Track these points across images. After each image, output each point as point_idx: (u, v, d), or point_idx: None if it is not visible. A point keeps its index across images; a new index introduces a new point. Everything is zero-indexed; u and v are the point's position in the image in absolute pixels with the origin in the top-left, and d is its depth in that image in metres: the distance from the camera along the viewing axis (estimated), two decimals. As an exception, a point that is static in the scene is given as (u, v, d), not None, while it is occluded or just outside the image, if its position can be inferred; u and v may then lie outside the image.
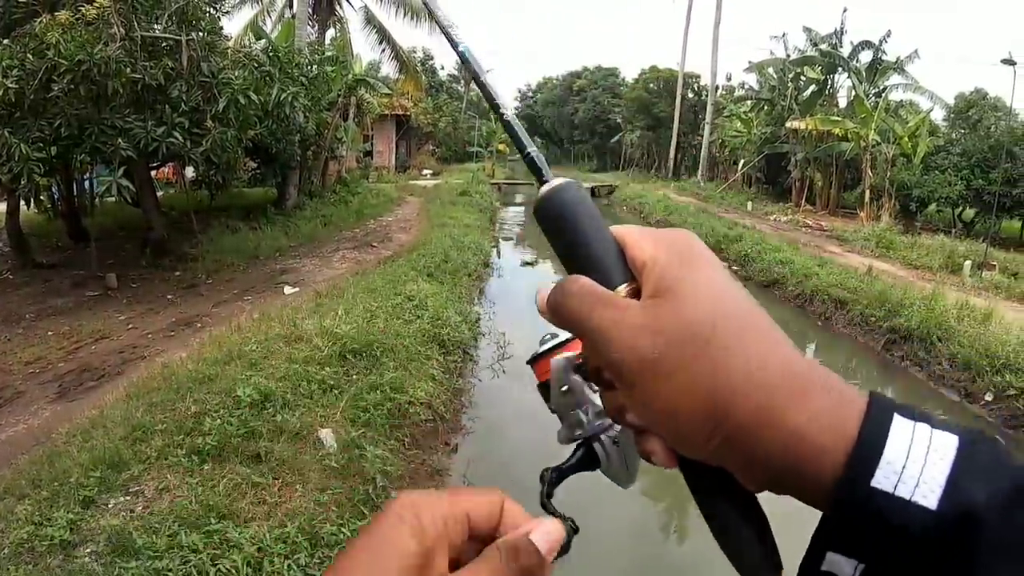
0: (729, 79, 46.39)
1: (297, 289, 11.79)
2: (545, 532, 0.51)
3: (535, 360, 0.66)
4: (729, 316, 0.47)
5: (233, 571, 4.10)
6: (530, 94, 75.22)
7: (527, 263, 19.15)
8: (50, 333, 9.20)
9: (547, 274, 18.18)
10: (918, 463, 0.40)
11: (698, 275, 0.49)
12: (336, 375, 7.20)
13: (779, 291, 15.98)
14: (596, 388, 0.60)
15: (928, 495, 0.39)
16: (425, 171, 39.26)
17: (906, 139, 23.92)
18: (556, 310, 0.53)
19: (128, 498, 4.80)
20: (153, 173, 16.49)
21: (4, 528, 4.42)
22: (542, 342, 0.66)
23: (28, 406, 6.97)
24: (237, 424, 5.66)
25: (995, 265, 16.73)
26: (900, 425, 0.42)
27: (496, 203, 30.81)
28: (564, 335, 0.64)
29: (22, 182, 9.59)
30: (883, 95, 26.54)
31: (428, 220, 20.53)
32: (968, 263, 16.42)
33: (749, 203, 30.14)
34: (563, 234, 0.57)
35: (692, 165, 43.54)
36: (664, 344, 0.46)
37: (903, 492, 0.39)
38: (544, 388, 0.66)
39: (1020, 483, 0.39)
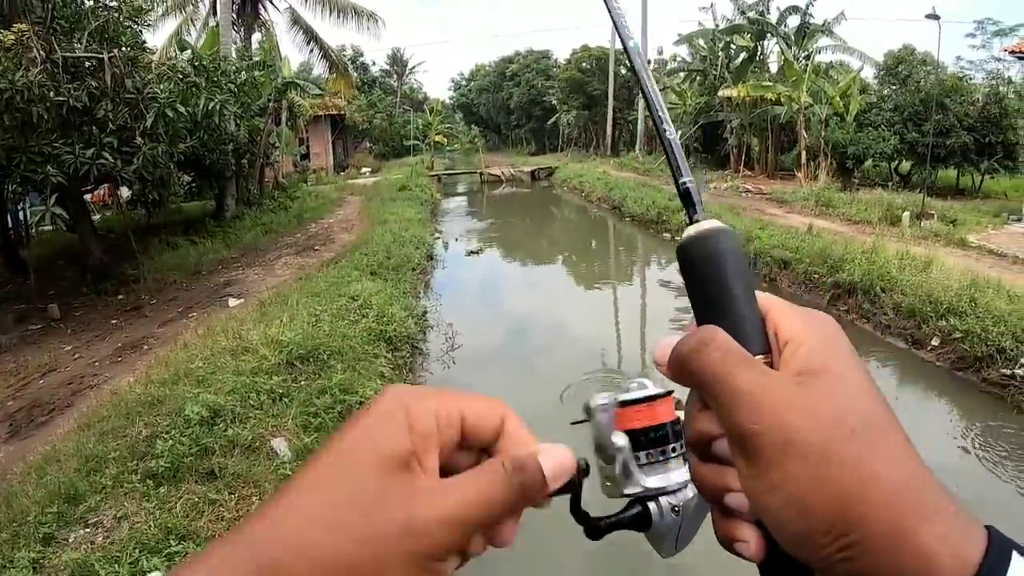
0: (660, 53, 46.68)
1: (241, 300, 11.75)
2: (554, 456, 0.49)
3: (625, 405, 0.57)
4: (874, 416, 0.46)
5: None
6: (464, 82, 74.87)
7: (472, 252, 19.30)
8: (-5, 371, 9.04)
9: (493, 261, 18.29)
10: None
11: (845, 364, 0.48)
12: (284, 383, 7.25)
13: (722, 258, 16.24)
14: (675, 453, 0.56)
15: None
16: (364, 169, 39.01)
17: (838, 99, 24.38)
18: (687, 360, 0.50)
19: (88, 530, 4.82)
20: (88, 196, 16.22)
21: (-35, 576, 4.41)
22: (626, 390, 0.58)
23: (-21, 449, 6.88)
24: (189, 443, 5.69)
25: (933, 214, 17.21)
26: (1018, 561, 0.41)
27: (437, 195, 30.84)
28: (658, 388, 0.57)
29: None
30: (812, 58, 26.99)
31: (369, 218, 20.51)
32: (906, 214, 16.82)
33: (689, 173, 30.40)
34: (710, 284, 0.54)
35: (630, 140, 43.78)
36: (815, 427, 0.44)
37: None
38: (627, 434, 0.56)
39: None
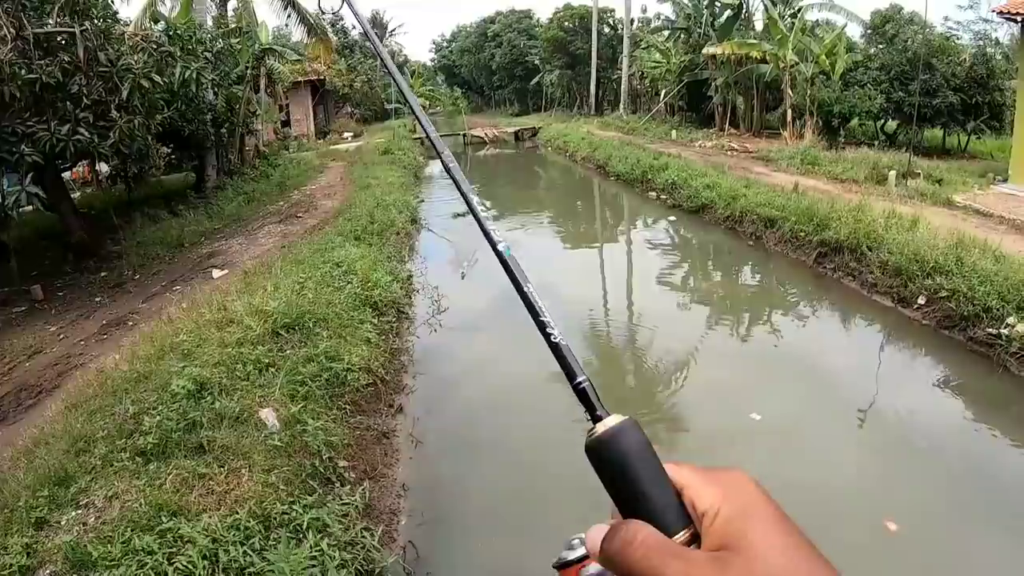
0: (644, 11, 46.41)
1: (225, 271, 11.68)
2: None
3: (564, 566, 0.63)
4: (797, 573, 0.49)
5: (190, 567, 4.15)
6: (445, 44, 73.97)
7: (459, 215, 19.12)
8: (-19, 358, 8.94)
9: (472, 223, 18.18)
10: None
11: (760, 530, 0.51)
12: (270, 353, 7.20)
13: (708, 216, 16.30)
14: None
15: None
16: (346, 134, 38.68)
17: (824, 57, 24.31)
18: (616, 558, 0.53)
19: (79, 511, 4.79)
20: (67, 174, 16.00)
21: (-41, 564, 4.37)
22: (570, 547, 0.64)
23: (-33, 436, 6.82)
24: (176, 418, 5.64)
25: (919, 173, 17.21)
26: None
27: (420, 158, 30.61)
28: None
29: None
30: (799, 15, 26.74)
31: (352, 183, 20.40)
32: (892, 173, 16.85)
33: (673, 132, 30.41)
34: (621, 479, 0.57)
35: (614, 100, 43.56)
36: None
37: None
38: None
39: None
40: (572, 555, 0.62)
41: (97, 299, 11.14)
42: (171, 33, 13.63)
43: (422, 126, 0.87)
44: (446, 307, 11.06)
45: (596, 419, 0.60)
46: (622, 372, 9.52)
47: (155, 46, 12.46)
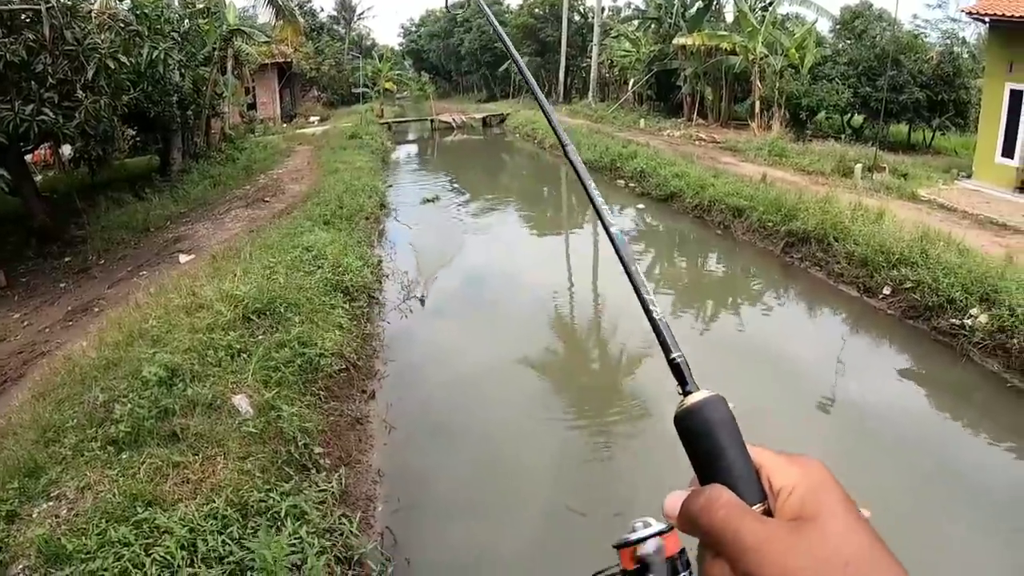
0: (615, 0, 46.29)
1: (192, 256, 11.52)
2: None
3: (624, 546, 0.64)
4: (863, 550, 0.52)
5: (168, 557, 4.09)
6: (413, 28, 73.27)
7: (428, 200, 18.97)
8: (-57, 346, 8.69)
9: (447, 208, 18.09)
10: None
11: (834, 507, 0.54)
12: (242, 338, 7.13)
13: (677, 204, 16.40)
14: None
15: None
16: (312, 118, 38.20)
17: (793, 51, 24.55)
18: (697, 517, 0.57)
19: (51, 504, 4.69)
20: (28, 157, 15.61)
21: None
22: (632, 529, 0.64)
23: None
24: (148, 406, 5.56)
25: (885, 167, 17.52)
26: None
27: (388, 143, 30.37)
28: (658, 526, 0.64)
29: None
30: (769, 9, 26.84)
31: (320, 168, 20.22)
32: (859, 166, 17.09)
33: (642, 120, 30.47)
34: (708, 448, 0.61)
35: (583, 87, 43.42)
36: (812, 566, 0.50)
37: None
38: (642, 571, 0.63)
39: None
40: (633, 536, 0.63)
41: (62, 285, 10.92)
42: (138, 12, 13.30)
43: (543, 110, 0.92)
44: (416, 293, 11.05)
45: (687, 393, 0.64)
46: (586, 355, 9.60)
47: (122, 25, 12.17)
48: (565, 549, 5.40)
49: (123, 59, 11.37)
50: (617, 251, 0.80)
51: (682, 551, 0.63)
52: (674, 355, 0.67)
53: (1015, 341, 7.79)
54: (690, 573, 0.62)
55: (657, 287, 11.85)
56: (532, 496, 6.10)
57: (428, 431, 7.29)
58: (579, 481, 6.47)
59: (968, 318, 8.38)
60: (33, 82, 10.24)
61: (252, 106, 34.43)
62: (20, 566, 4.18)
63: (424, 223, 16.44)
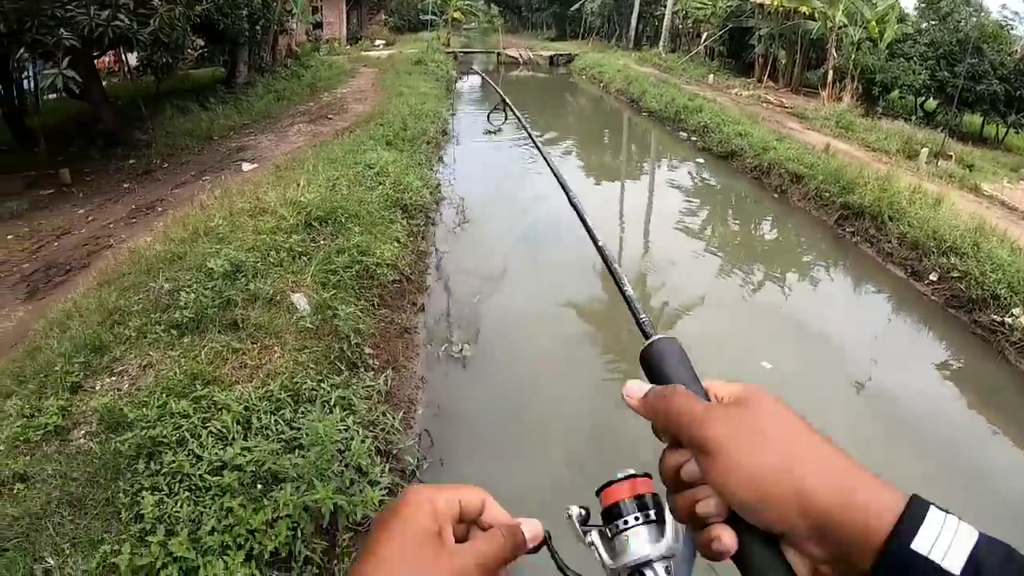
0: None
1: (256, 165, 11.64)
2: (530, 526, 0.69)
3: (605, 487, 0.73)
4: (796, 419, 0.63)
5: (224, 430, 4.27)
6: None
7: (489, 132, 18.68)
8: (9, 236, 8.97)
9: (507, 144, 17.91)
10: (948, 538, 0.52)
11: (768, 399, 0.65)
12: (303, 242, 7.25)
13: (736, 163, 16.07)
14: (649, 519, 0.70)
15: (954, 561, 0.51)
16: (378, 42, 37.90)
17: (874, 24, 23.41)
18: (658, 399, 0.68)
19: (114, 378, 4.89)
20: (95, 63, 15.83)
21: (-3, 427, 4.45)
22: (614, 479, 0.73)
23: (-2, 312, 6.93)
24: (212, 295, 5.72)
25: (951, 155, 16.83)
26: (935, 512, 0.54)
27: (452, 72, 30.05)
28: (632, 472, 0.73)
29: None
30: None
31: (384, 90, 20.07)
32: (925, 150, 16.44)
33: (711, 76, 29.55)
34: (664, 370, 0.72)
35: (654, 36, 42.04)
36: (751, 423, 0.62)
37: (935, 556, 0.51)
38: (607, 513, 0.71)
39: None
40: (615, 478, 0.72)
41: (125, 185, 11.15)
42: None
43: (556, 177, 1.21)
44: (470, 218, 11.12)
45: (648, 337, 0.76)
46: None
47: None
48: (590, 477, 5.42)
49: (199, -32, 11.34)
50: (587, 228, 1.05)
51: (654, 495, 0.71)
52: (643, 317, 0.84)
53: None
54: (659, 509, 0.70)
55: (707, 246, 11.64)
56: (564, 430, 6.15)
57: (475, 347, 7.37)
58: (612, 422, 6.47)
59: (1009, 316, 8.19)
60: (109, -12, 10.23)
61: (319, 25, 34.28)
62: (82, 431, 4.37)
63: (483, 153, 16.33)
